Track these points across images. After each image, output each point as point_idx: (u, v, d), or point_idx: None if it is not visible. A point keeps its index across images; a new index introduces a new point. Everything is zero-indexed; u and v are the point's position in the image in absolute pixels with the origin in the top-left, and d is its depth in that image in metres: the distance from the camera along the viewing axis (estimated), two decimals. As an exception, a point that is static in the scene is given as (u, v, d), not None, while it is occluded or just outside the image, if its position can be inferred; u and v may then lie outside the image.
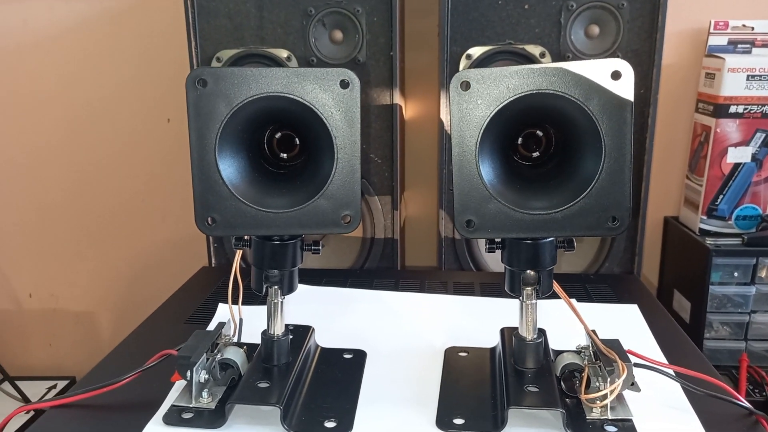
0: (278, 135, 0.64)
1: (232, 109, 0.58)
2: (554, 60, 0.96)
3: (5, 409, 1.15)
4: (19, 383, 1.17)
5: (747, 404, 0.62)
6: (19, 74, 1.22)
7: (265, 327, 0.67)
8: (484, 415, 0.61)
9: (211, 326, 0.81)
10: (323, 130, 0.60)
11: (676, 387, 0.65)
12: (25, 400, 1.16)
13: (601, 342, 0.63)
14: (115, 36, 1.20)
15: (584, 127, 0.57)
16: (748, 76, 1.00)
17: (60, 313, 1.34)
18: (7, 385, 1.17)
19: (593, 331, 0.65)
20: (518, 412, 0.61)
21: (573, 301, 0.65)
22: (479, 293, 0.93)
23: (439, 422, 0.61)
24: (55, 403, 0.64)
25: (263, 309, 0.68)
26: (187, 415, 0.61)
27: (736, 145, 1.03)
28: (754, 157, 1.04)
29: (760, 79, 1.00)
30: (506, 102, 0.56)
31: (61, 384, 1.25)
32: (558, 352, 0.67)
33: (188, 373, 0.60)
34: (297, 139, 0.64)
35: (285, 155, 0.65)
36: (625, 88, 0.55)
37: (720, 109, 1.02)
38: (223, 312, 0.85)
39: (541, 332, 0.67)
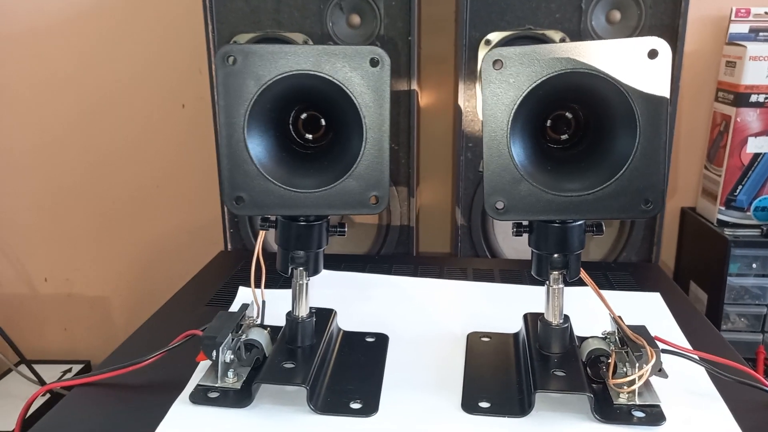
0: (304, 115, 0.64)
1: (262, 86, 0.58)
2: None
3: (23, 391, 1.15)
4: (35, 366, 1.17)
5: (776, 390, 0.61)
6: (33, 59, 1.21)
7: (288, 310, 0.67)
8: (510, 399, 0.61)
9: (233, 309, 0.81)
10: (352, 110, 0.59)
11: (702, 373, 0.65)
12: (42, 383, 1.16)
13: (628, 328, 0.62)
14: (130, 20, 1.19)
15: (618, 107, 0.55)
16: (770, 64, 0.99)
17: (75, 297, 1.34)
18: (24, 368, 1.18)
19: (619, 317, 0.64)
20: (544, 396, 0.60)
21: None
22: (499, 279, 0.92)
23: (465, 405, 0.61)
24: (80, 381, 0.64)
25: (282, 293, 0.67)
26: (213, 395, 0.61)
27: (756, 134, 1.02)
28: (774, 147, 1.03)
29: (782, 68, 0.99)
30: (540, 81, 0.55)
31: (76, 368, 1.25)
32: (583, 339, 0.66)
33: (214, 353, 0.60)
34: (323, 119, 0.64)
35: (310, 136, 0.64)
36: (662, 68, 0.54)
37: (741, 98, 1.01)
38: (243, 295, 0.85)
39: (566, 318, 0.66)
